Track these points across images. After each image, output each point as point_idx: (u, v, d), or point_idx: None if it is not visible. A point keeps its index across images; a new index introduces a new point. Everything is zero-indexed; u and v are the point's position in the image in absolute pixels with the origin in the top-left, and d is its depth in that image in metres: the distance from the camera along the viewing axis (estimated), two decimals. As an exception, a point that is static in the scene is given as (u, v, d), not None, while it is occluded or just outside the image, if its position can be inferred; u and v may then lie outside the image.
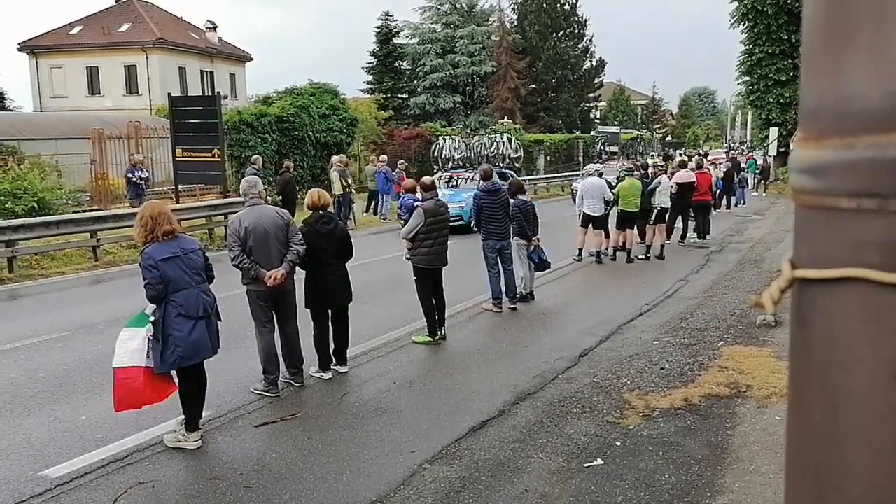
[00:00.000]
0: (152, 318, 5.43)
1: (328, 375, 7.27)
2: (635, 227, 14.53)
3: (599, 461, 5.38)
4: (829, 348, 0.72)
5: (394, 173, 21.82)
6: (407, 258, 8.77)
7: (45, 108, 41.18)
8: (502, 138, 24.82)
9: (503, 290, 10.07)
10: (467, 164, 22.16)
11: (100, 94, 41.61)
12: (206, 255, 5.95)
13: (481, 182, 10.38)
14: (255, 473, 5.24)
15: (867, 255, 0.67)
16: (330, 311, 7.33)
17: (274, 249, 6.71)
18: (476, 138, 24.93)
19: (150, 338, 5.42)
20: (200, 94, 38.53)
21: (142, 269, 5.47)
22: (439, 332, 8.57)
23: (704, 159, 23.17)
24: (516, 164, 24.72)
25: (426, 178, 9.19)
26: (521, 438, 5.82)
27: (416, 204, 9.26)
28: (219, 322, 5.90)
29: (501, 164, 22.61)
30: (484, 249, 10.02)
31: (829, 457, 0.72)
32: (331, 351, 7.38)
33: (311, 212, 7.28)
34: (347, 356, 7.54)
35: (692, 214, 16.63)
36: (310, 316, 7.26)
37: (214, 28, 46.75)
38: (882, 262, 0.66)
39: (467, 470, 5.27)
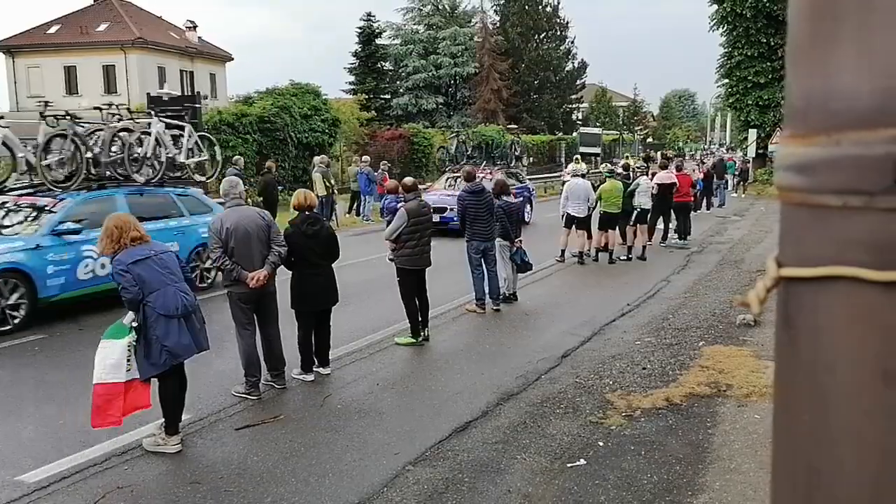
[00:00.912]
0: (134, 324, 5.35)
1: (310, 377, 7.23)
2: (617, 228, 14.60)
3: (582, 461, 5.39)
4: (816, 347, 0.71)
5: (376, 174, 21.77)
6: (390, 259, 8.74)
7: (21, 107, 40.67)
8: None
9: (486, 291, 10.07)
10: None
11: (77, 93, 41.18)
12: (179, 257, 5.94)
13: (465, 183, 10.40)
14: (236, 477, 5.19)
15: (853, 253, 0.67)
16: (315, 313, 7.29)
17: (256, 251, 6.66)
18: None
19: (134, 345, 5.34)
20: (180, 93, 38.23)
21: (115, 278, 5.42)
22: (423, 334, 8.55)
23: (683, 160, 23.38)
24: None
25: (407, 179, 9.18)
26: (505, 439, 5.82)
27: (398, 205, 9.25)
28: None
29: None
30: (468, 250, 10.02)
31: (818, 457, 0.71)
32: (313, 353, 7.34)
33: (296, 213, 7.24)
34: (330, 358, 7.51)
35: (673, 215, 16.75)
36: (294, 317, 7.22)
37: (194, 27, 46.48)
38: (868, 260, 0.66)
39: (451, 471, 5.25)
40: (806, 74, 0.72)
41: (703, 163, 27.32)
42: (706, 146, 57.84)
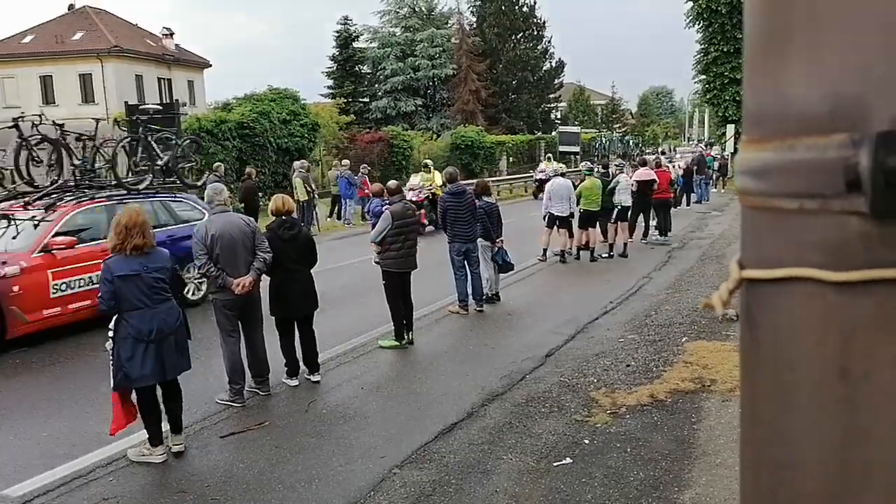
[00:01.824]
0: (110, 334, 5.34)
1: (295, 382, 7.21)
2: (598, 226, 14.67)
3: (568, 460, 5.42)
4: (777, 347, 0.73)
5: (356, 178, 21.74)
6: (376, 262, 8.72)
7: (-3, 118, 40.26)
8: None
9: (469, 292, 10.09)
10: None
11: (54, 103, 40.79)
12: (176, 269, 5.86)
13: (447, 185, 10.41)
14: (222, 485, 5.18)
15: (811, 254, 0.69)
16: (296, 318, 7.27)
17: (241, 257, 6.66)
18: None
19: (109, 351, 5.36)
20: (158, 101, 37.98)
21: (100, 282, 5.36)
22: (407, 337, 8.55)
23: (662, 157, 23.48)
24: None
25: (392, 182, 9.20)
26: (491, 440, 5.84)
27: (383, 207, 9.25)
28: (188, 340, 5.75)
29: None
30: (450, 252, 10.04)
31: (781, 454, 0.73)
32: (300, 360, 7.32)
33: (275, 217, 7.23)
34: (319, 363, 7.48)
35: (653, 212, 16.85)
36: (274, 324, 7.20)
37: (171, 35, 46.20)
38: (825, 261, 0.68)
39: (437, 473, 5.27)
40: (760, 82, 0.74)
41: (672, 161, 27.09)
42: (695, 142, 58.15)
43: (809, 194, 0.68)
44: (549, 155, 28.49)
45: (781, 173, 0.70)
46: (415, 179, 20.22)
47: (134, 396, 5.53)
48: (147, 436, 5.59)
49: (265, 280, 7.06)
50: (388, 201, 8.98)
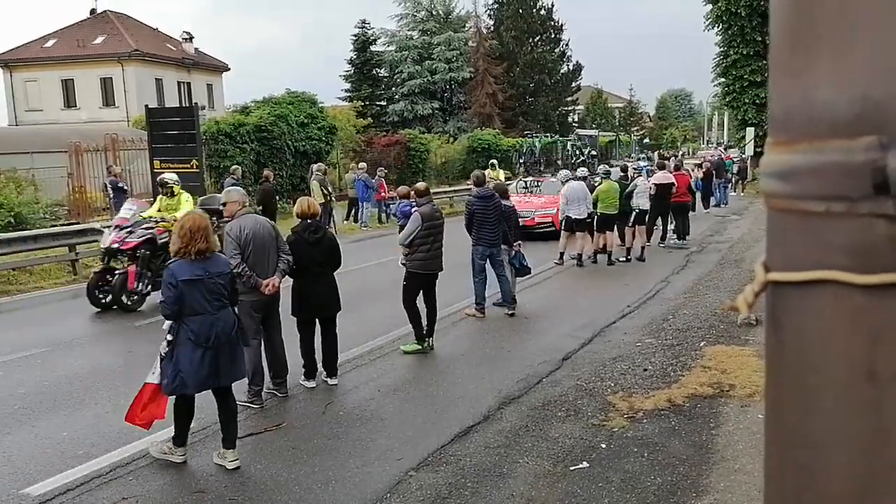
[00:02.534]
0: (168, 337, 5.27)
1: (312, 384, 7.24)
2: (615, 230, 14.61)
3: (585, 464, 5.40)
4: (803, 350, 0.73)
5: (373, 181, 21.79)
6: (402, 264, 8.71)
7: (20, 121, 40.73)
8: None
9: (490, 295, 10.05)
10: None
11: (76, 106, 41.19)
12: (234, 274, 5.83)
13: (474, 188, 10.37)
14: (239, 486, 5.21)
15: (837, 257, 0.69)
16: (318, 321, 7.30)
17: (271, 258, 6.72)
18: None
19: (163, 354, 5.29)
20: (178, 104, 38.30)
21: (163, 285, 5.30)
22: (428, 342, 8.51)
23: (683, 159, 23.28)
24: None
25: (420, 185, 9.21)
26: (507, 443, 5.83)
27: (412, 209, 9.25)
28: (244, 347, 5.71)
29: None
30: (473, 255, 10.03)
31: (806, 457, 0.73)
32: (319, 361, 7.34)
33: (299, 220, 7.25)
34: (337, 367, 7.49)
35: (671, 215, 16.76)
36: (295, 325, 7.22)
37: (191, 39, 46.50)
38: (852, 264, 0.68)
39: (453, 476, 5.26)
40: (787, 84, 0.74)
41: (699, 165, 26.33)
42: (714, 145, 57.58)
43: (837, 197, 0.68)
44: (494, 161, 25.04)
45: (808, 176, 0.70)
46: None
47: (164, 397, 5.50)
48: (172, 434, 5.59)
49: (287, 282, 7.10)
50: (416, 203, 8.97)
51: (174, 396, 5.46)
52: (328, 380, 7.33)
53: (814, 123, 0.70)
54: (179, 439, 5.58)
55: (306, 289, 7.10)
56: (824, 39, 0.69)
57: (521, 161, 21.70)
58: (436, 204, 9.09)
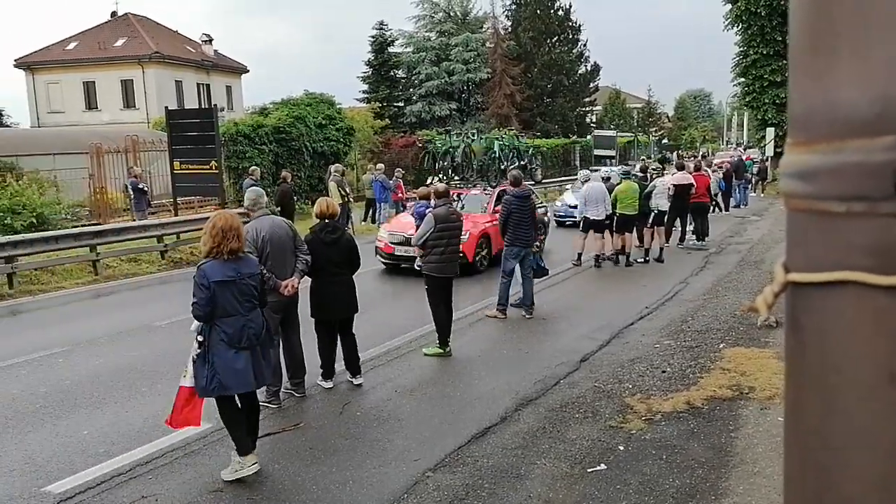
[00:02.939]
0: (199, 339, 5.15)
1: (329, 385, 7.26)
2: (634, 231, 14.54)
3: (603, 466, 5.37)
4: (824, 351, 0.72)
5: (390, 181, 21.84)
6: (418, 266, 8.69)
7: (42, 123, 41.22)
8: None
9: (517, 297, 10.02)
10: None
11: (97, 108, 41.63)
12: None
13: (511, 188, 10.31)
14: (257, 486, 5.23)
15: (858, 257, 0.68)
16: (336, 322, 7.31)
17: (289, 259, 6.73)
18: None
19: (195, 357, 5.18)
20: (197, 106, 38.59)
21: (194, 286, 5.15)
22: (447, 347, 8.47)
23: (703, 161, 23.02)
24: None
25: (440, 185, 9.18)
26: (524, 444, 5.82)
27: (427, 210, 9.23)
28: (272, 350, 5.59)
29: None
30: (505, 255, 10.02)
31: (827, 459, 0.72)
32: (343, 362, 7.36)
33: (318, 220, 7.26)
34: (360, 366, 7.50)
35: (690, 216, 16.65)
36: (313, 326, 7.24)
37: (210, 41, 46.85)
38: (873, 264, 0.67)
39: (470, 477, 5.26)
40: (807, 84, 0.73)
41: (716, 166, 25.51)
42: (733, 145, 57.01)
43: (857, 197, 0.67)
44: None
45: (829, 176, 0.70)
46: None
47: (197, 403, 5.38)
48: (234, 448, 5.35)
49: (305, 282, 7.12)
50: (433, 204, 8.96)
51: (217, 405, 5.32)
52: (353, 379, 7.34)
53: (833, 123, 0.69)
54: (242, 447, 5.31)
55: (323, 289, 7.11)
56: (844, 39, 0.68)
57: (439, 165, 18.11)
58: (452, 206, 9.04)
